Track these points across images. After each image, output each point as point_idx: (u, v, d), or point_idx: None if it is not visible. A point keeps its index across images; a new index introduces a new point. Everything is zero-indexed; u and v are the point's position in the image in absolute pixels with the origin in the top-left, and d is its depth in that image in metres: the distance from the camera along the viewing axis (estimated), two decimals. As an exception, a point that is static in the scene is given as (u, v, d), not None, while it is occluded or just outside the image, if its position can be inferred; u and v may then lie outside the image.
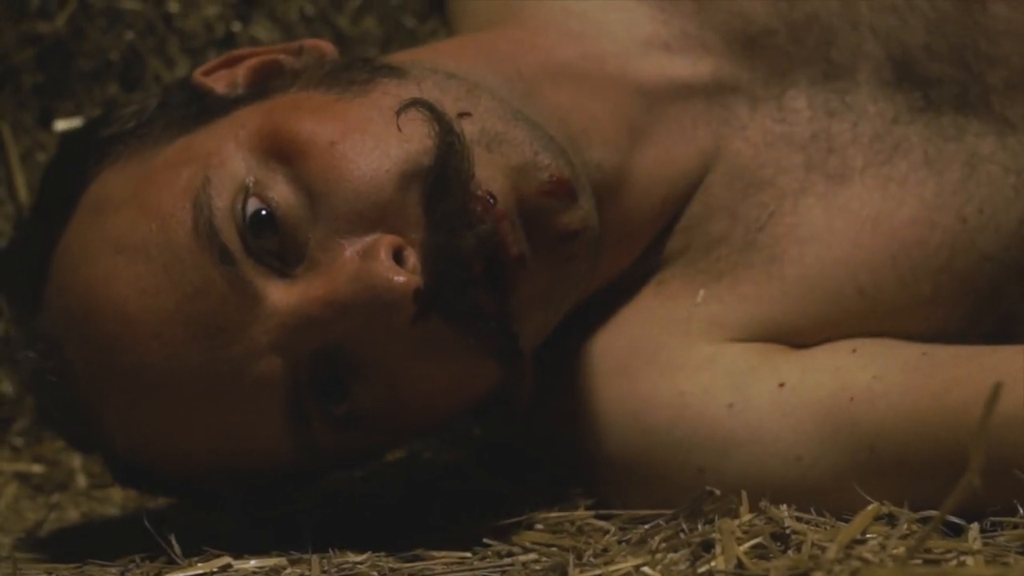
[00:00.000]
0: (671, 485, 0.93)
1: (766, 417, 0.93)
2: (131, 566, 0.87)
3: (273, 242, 0.85)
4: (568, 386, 0.99)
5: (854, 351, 0.94)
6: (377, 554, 0.86)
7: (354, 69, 0.92)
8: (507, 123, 0.89)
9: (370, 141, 0.86)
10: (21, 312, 0.94)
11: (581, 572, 0.79)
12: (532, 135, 0.89)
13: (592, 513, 0.94)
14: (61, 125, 1.26)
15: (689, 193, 1.01)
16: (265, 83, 0.94)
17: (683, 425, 0.94)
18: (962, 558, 0.74)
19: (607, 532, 0.89)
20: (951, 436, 0.86)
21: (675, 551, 0.80)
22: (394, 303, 0.82)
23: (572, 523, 0.92)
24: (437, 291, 0.83)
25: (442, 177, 0.84)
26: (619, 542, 0.86)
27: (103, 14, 1.27)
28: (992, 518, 0.81)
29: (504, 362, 0.87)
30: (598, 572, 0.78)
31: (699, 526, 0.84)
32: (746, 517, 0.84)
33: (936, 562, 0.73)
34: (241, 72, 0.95)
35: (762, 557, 0.76)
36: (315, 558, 0.85)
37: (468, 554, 0.86)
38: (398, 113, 0.86)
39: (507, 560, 0.85)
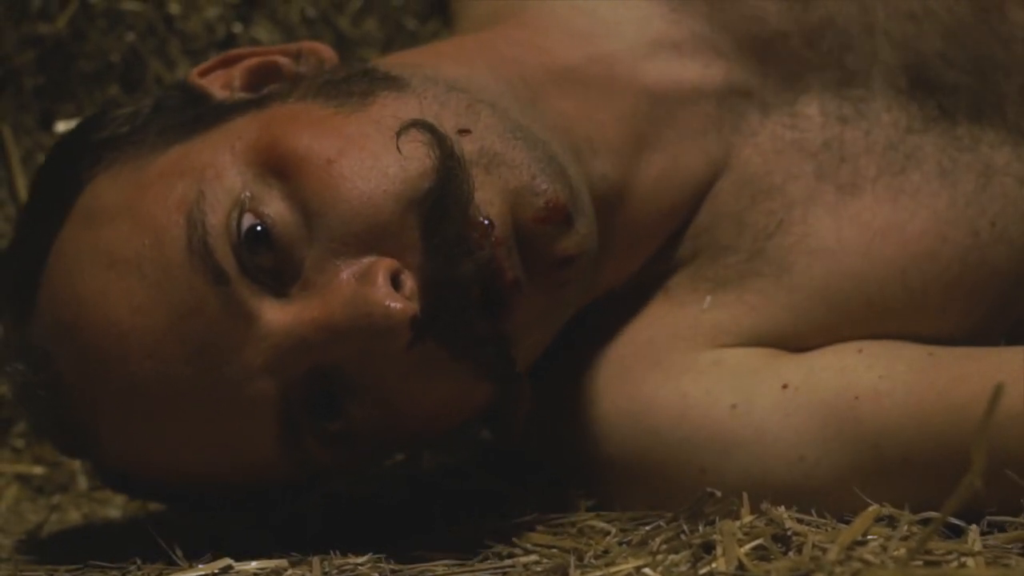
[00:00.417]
0: (672, 486, 0.93)
1: (769, 418, 0.92)
2: (132, 568, 0.87)
3: (268, 259, 0.83)
4: (571, 389, 0.98)
5: (860, 351, 0.94)
6: (378, 555, 0.86)
7: (353, 79, 0.91)
8: (506, 143, 0.87)
9: (368, 160, 0.84)
10: (11, 320, 0.93)
11: (582, 573, 0.79)
12: (531, 156, 0.87)
13: (593, 514, 0.93)
14: (62, 127, 1.26)
15: (697, 200, 0.99)
16: (262, 85, 0.93)
17: (685, 426, 0.94)
18: (963, 559, 0.74)
19: (608, 533, 0.89)
20: (955, 434, 0.86)
21: (676, 552, 0.80)
22: (391, 329, 0.81)
23: (573, 524, 0.92)
24: (434, 317, 0.82)
25: (441, 201, 0.83)
26: (620, 543, 0.86)
27: (104, 15, 1.27)
28: (992, 518, 0.81)
29: (501, 384, 0.86)
30: (599, 574, 0.78)
31: (700, 527, 0.84)
32: (747, 518, 0.84)
33: (937, 563, 0.73)
34: (238, 73, 0.94)
35: (763, 558, 0.76)
36: (316, 559, 0.85)
37: (469, 555, 0.86)
38: (398, 134, 0.85)
39: (508, 561, 0.85)
